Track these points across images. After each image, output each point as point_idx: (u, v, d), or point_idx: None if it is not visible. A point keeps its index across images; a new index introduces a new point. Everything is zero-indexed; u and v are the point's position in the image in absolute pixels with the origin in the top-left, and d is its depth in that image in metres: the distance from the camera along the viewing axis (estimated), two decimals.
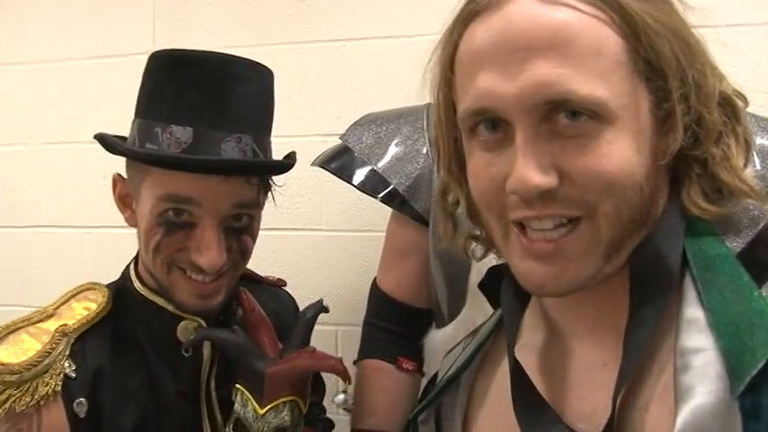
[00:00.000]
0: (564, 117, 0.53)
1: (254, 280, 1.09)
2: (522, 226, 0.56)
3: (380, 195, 1.13)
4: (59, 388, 0.83)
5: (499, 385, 0.67)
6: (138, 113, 0.89)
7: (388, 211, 1.18)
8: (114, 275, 0.98)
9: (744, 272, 0.55)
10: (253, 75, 0.88)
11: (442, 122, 0.65)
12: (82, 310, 0.90)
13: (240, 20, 1.58)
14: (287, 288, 1.18)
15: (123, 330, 0.91)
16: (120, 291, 0.94)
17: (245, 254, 0.91)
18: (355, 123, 1.20)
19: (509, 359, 0.62)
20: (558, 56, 0.52)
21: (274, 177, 0.93)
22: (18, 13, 1.72)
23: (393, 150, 1.13)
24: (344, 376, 0.90)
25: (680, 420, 0.49)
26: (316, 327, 0.97)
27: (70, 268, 1.67)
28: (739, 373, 0.48)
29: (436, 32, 0.62)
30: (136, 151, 0.85)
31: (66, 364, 0.85)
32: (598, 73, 0.52)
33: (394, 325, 1.16)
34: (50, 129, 1.71)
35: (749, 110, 0.62)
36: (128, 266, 0.96)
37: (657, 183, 0.57)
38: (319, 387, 1.13)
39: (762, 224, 0.58)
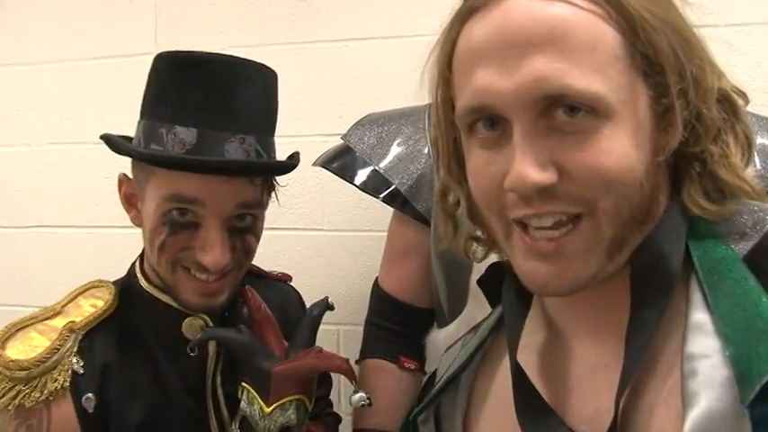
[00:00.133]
0: (562, 113, 0.52)
1: (257, 275, 1.09)
2: (524, 225, 0.56)
3: (382, 195, 1.13)
4: (68, 384, 0.85)
5: (500, 385, 0.67)
6: (143, 114, 0.89)
7: (389, 211, 1.18)
8: (116, 275, 0.98)
9: (750, 276, 0.53)
10: (257, 76, 0.89)
11: (441, 122, 0.64)
12: (89, 308, 0.91)
13: (242, 20, 1.58)
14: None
15: (130, 327, 0.92)
16: (126, 288, 0.95)
17: (249, 253, 0.92)
18: (357, 123, 1.20)
19: (510, 364, 0.61)
20: (554, 51, 0.51)
21: (277, 177, 0.94)
22: (18, 13, 1.72)
23: (395, 150, 1.13)
24: (351, 376, 0.90)
25: (688, 425, 0.48)
26: None
27: (72, 268, 1.67)
28: (749, 381, 0.47)
29: (438, 33, 0.62)
30: (140, 152, 0.86)
31: (75, 361, 0.86)
32: (595, 68, 0.52)
33: (396, 324, 1.17)
34: (52, 129, 1.70)
35: (750, 109, 0.62)
36: (133, 264, 0.97)
37: (657, 179, 0.56)
38: (326, 382, 1.13)
39: (767, 227, 0.57)
